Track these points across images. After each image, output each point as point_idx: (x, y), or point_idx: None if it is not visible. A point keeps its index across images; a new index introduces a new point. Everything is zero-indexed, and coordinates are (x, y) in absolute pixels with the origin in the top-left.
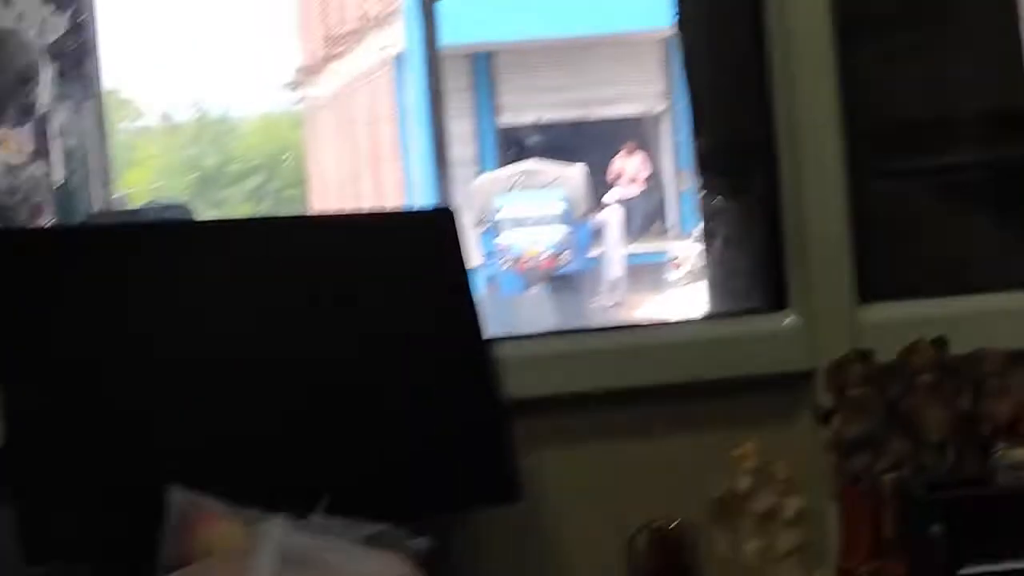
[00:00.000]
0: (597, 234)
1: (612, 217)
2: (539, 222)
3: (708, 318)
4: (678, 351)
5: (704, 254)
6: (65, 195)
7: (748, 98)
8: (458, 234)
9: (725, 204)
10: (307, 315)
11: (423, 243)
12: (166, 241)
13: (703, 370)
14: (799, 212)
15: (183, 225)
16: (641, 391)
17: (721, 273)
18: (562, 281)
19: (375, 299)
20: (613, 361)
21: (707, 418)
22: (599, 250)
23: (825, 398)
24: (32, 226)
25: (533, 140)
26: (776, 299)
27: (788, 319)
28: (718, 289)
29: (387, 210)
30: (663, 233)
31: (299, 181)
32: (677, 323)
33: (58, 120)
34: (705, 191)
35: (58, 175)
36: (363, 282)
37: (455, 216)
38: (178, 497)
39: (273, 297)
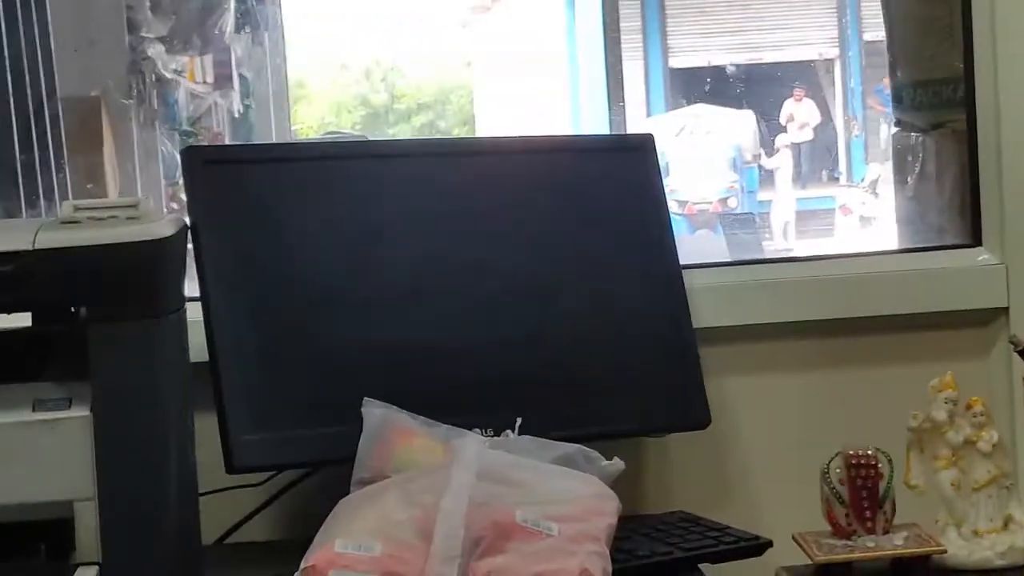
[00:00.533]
0: (766, 179)
1: (781, 163)
2: (707, 166)
3: (902, 252)
4: (871, 284)
5: (897, 190)
6: (243, 125)
7: (947, 32)
8: (657, 162)
9: (920, 139)
10: (511, 234)
11: (624, 168)
12: (373, 159)
13: (896, 304)
14: (996, 148)
15: (391, 144)
16: (833, 323)
17: (915, 209)
18: (731, 224)
19: (576, 221)
20: (804, 293)
21: (900, 351)
22: (768, 195)
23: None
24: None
25: (702, 84)
26: (971, 235)
27: (983, 256)
28: (911, 225)
29: (591, 135)
30: (833, 180)
31: (467, 120)
32: (871, 255)
33: (238, 52)
34: (900, 127)
35: (237, 105)
36: (565, 203)
37: (655, 144)
38: (374, 411)
39: (478, 215)
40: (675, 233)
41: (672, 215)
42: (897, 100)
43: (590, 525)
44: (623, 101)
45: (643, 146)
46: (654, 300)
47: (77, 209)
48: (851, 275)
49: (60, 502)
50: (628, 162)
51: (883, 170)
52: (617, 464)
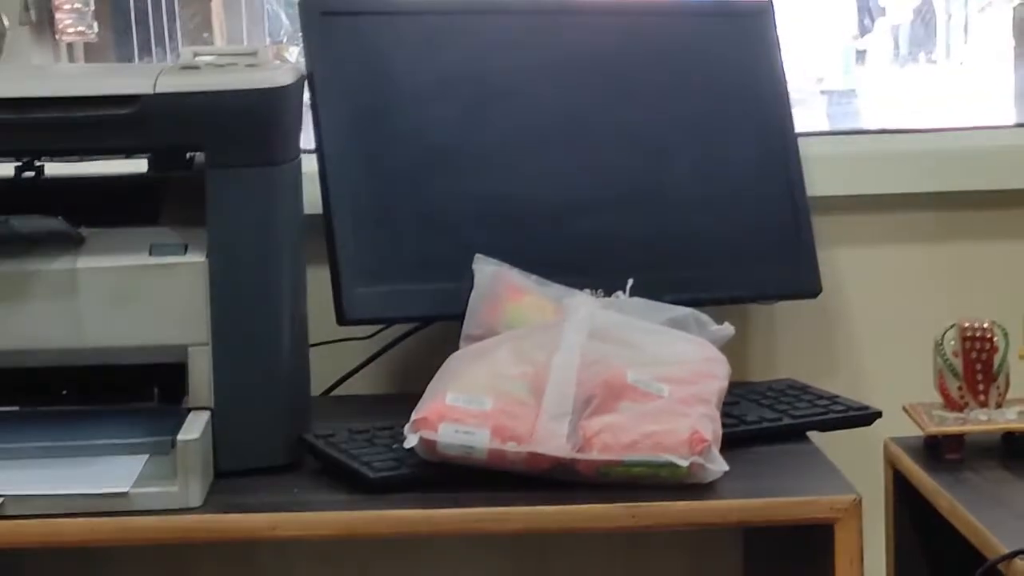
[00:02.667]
0: (861, 56)
1: (878, 42)
2: (801, 43)
3: (1021, 126)
4: (989, 158)
5: (1017, 64)
6: None
7: None
8: (776, 30)
9: None
10: (626, 94)
11: (741, 35)
12: (492, 15)
13: (1015, 179)
14: None
15: (506, 2)
16: (950, 195)
17: None
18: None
19: (691, 84)
20: (921, 164)
21: (1018, 227)
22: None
23: None
24: None
25: None
26: None
27: None
28: None
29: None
30: (931, 61)
31: None
32: (990, 129)
33: None
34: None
35: None
36: (680, 67)
37: (774, 11)
38: (485, 267)
39: (592, 74)
40: (790, 101)
41: None
42: None
43: (701, 388)
44: None
45: (762, 12)
46: (768, 166)
47: (197, 55)
48: (969, 147)
49: (174, 346)
50: (746, 29)
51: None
52: (727, 329)
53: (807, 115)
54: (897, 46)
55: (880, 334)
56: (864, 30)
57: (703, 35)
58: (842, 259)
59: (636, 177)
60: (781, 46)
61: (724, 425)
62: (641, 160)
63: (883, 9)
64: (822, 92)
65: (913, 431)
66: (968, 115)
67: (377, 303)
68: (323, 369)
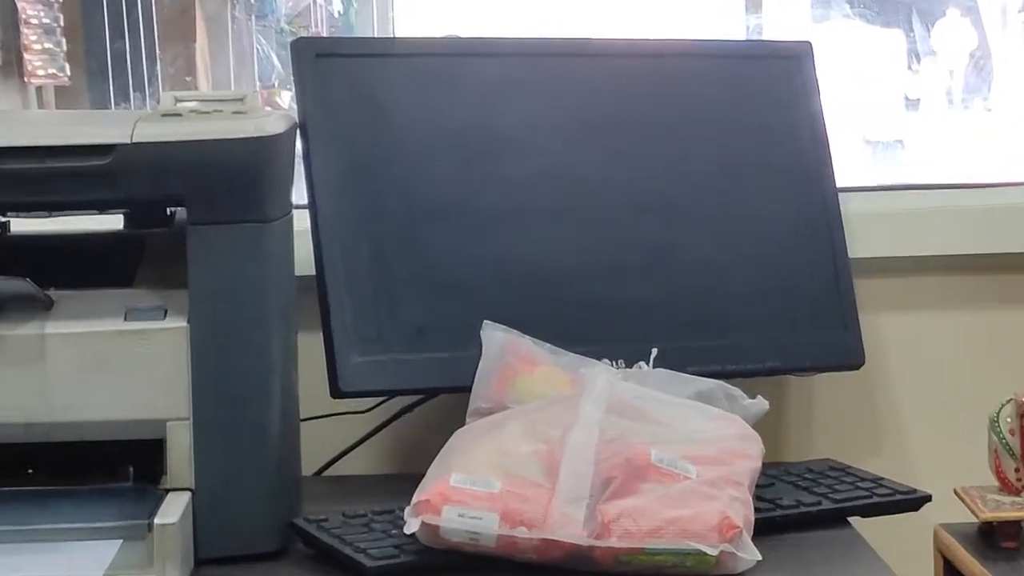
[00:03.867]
0: (911, 106)
1: (929, 88)
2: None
3: None
4: None
5: None
6: (344, 26)
7: None
8: (815, 72)
9: None
10: (646, 145)
11: (777, 78)
12: (498, 58)
13: None
14: None
15: (518, 43)
16: (1006, 257)
17: None
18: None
19: (720, 134)
20: (974, 222)
21: None
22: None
23: None
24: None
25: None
26: None
27: None
28: None
29: (739, 40)
30: (987, 109)
31: None
32: None
33: None
34: None
35: (338, 4)
36: (708, 115)
37: (813, 52)
38: (495, 334)
39: (609, 124)
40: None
41: None
42: None
43: (732, 469)
44: (760, 8)
45: (800, 54)
46: (806, 224)
47: (178, 101)
48: (1019, 205)
49: (152, 421)
50: (782, 72)
51: None
52: (761, 404)
53: (850, 168)
54: (950, 92)
55: (929, 410)
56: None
57: (734, 79)
58: (887, 327)
59: (659, 236)
60: (821, 91)
61: (757, 510)
62: (664, 217)
63: (934, 52)
64: (867, 142)
65: (965, 517)
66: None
67: (375, 374)
68: (315, 446)
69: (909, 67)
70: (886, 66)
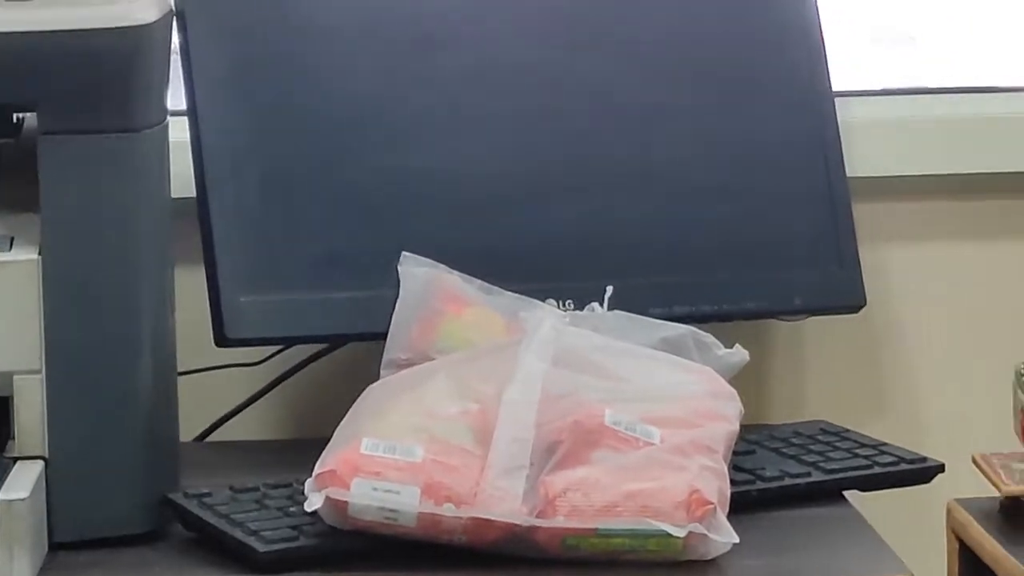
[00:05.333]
0: None
1: None
2: None
3: None
4: None
5: None
6: None
7: None
8: None
9: None
10: (606, 41)
11: None
12: None
13: None
14: None
15: None
16: None
17: None
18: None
19: (695, 32)
20: (998, 133)
21: None
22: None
23: None
24: None
25: None
26: None
27: None
28: None
29: None
30: None
31: None
32: None
33: None
34: None
35: None
36: (681, 8)
37: None
38: (415, 270)
39: (562, 15)
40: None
41: None
42: None
43: (703, 432)
44: None
45: None
46: (797, 137)
47: None
48: None
49: None
50: None
51: None
52: (740, 354)
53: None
54: None
55: (942, 362)
56: None
57: None
58: (894, 261)
59: (620, 151)
60: None
61: (734, 482)
62: (627, 129)
63: None
64: (874, 41)
65: (986, 490)
66: None
67: (269, 317)
68: (197, 406)
69: None
70: None
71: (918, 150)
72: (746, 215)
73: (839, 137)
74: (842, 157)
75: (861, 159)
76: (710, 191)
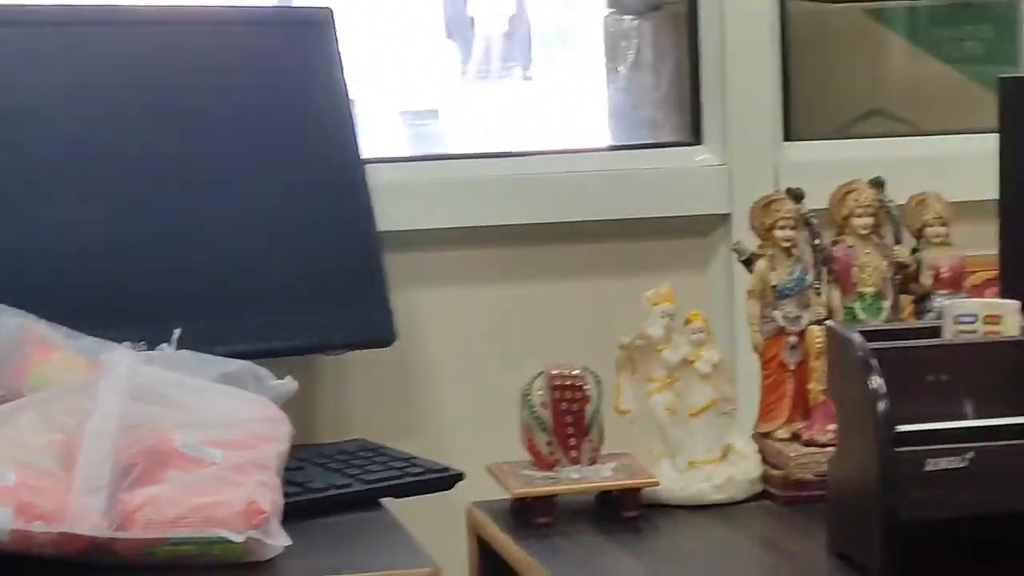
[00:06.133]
0: (453, 73)
1: (469, 55)
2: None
3: (613, 150)
4: (579, 185)
5: (609, 80)
6: None
7: None
8: (337, 40)
9: (635, 23)
10: (168, 117)
11: (297, 46)
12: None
13: (607, 208)
14: (720, 35)
15: (25, 10)
16: (537, 228)
17: (628, 101)
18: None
19: (243, 105)
20: (505, 193)
21: (611, 261)
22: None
23: (749, 240)
24: None
25: None
26: (691, 133)
27: (703, 156)
28: (624, 120)
29: (259, 7)
30: (527, 77)
31: None
32: (579, 153)
33: None
34: (613, 9)
35: None
36: (231, 85)
37: (334, 19)
38: (6, 320)
39: (129, 95)
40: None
41: None
42: None
43: (258, 452)
44: None
45: (320, 21)
46: (333, 197)
47: None
48: (556, 174)
49: None
50: (302, 38)
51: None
52: (289, 384)
53: (385, 139)
54: (488, 61)
55: (463, 386)
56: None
57: (254, 47)
58: (421, 302)
59: (180, 210)
60: (343, 60)
61: (286, 494)
62: (183, 190)
63: (472, 20)
64: (401, 113)
65: (501, 494)
66: (563, 137)
67: None
68: None
69: (448, 36)
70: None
71: (440, 207)
72: (293, 266)
73: (370, 197)
74: (372, 214)
75: (394, 215)
76: (263, 246)
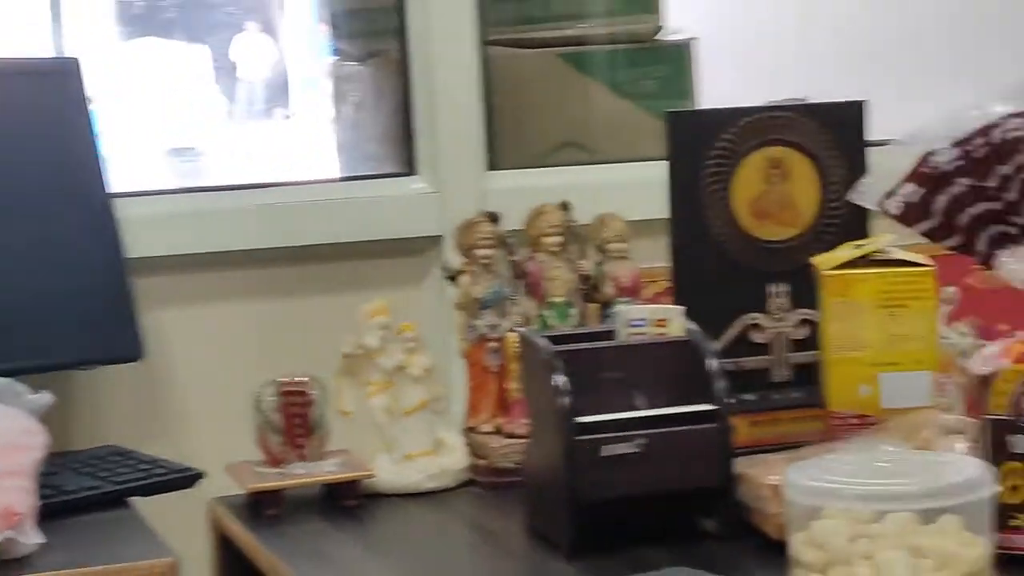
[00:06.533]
0: (219, 113)
1: (233, 96)
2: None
3: (339, 180)
4: (309, 213)
5: (335, 118)
6: None
7: None
8: (83, 85)
9: (357, 68)
10: None
11: (45, 93)
12: None
13: (333, 233)
14: (428, 76)
15: None
16: (271, 252)
17: (352, 137)
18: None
19: (12, 158)
20: (242, 220)
21: (337, 280)
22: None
23: (454, 258)
24: None
25: (150, 16)
26: (406, 165)
27: (417, 184)
28: (349, 154)
29: (11, 57)
30: (287, 117)
31: None
32: (308, 184)
33: None
34: (338, 54)
35: None
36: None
37: (79, 67)
38: None
39: None
40: (104, 161)
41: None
42: (334, 28)
43: (15, 461)
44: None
45: (67, 70)
46: (83, 230)
47: None
48: (288, 203)
49: None
50: (50, 87)
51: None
52: (44, 398)
53: (152, 174)
54: (252, 103)
55: (206, 395)
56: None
57: (5, 93)
58: (167, 321)
59: None
60: (89, 104)
61: (42, 497)
62: None
63: (234, 65)
64: (171, 151)
65: (239, 490)
66: (311, 169)
67: None
68: None
69: (216, 80)
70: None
71: (190, 234)
72: (51, 291)
73: (118, 228)
74: (120, 243)
75: (147, 243)
76: (20, 276)
